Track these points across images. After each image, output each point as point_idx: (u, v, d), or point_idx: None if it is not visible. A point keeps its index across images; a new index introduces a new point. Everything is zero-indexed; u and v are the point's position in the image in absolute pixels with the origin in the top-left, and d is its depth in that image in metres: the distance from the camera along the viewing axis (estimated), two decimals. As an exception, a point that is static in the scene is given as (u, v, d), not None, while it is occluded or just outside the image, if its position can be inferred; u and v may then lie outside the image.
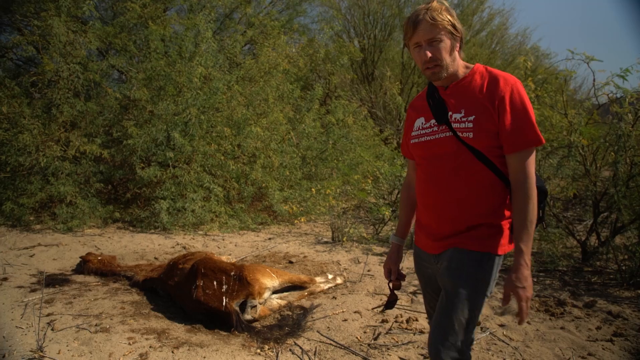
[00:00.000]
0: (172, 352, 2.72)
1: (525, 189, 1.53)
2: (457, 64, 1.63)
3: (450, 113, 1.62)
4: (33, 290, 3.65)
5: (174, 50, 7.10)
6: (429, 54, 1.57)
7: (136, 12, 7.68)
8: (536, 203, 1.54)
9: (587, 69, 4.50)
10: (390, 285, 1.97)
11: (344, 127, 8.58)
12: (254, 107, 7.44)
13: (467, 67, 1.67)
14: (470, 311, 1.58)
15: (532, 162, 1.53)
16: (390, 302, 2.02)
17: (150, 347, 2.77)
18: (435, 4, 1.57)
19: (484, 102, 1.55)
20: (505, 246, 1.62)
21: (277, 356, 2.75)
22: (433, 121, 1.67)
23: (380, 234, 6.01)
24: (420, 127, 1.72)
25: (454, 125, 1.59)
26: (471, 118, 1.56)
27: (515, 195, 1.54)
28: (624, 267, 4.33)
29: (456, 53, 1.62)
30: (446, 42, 1.57)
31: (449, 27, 1.56)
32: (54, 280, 3.90)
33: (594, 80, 4.69)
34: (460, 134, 1.58)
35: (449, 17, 1.56)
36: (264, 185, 6.70)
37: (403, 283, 1.73)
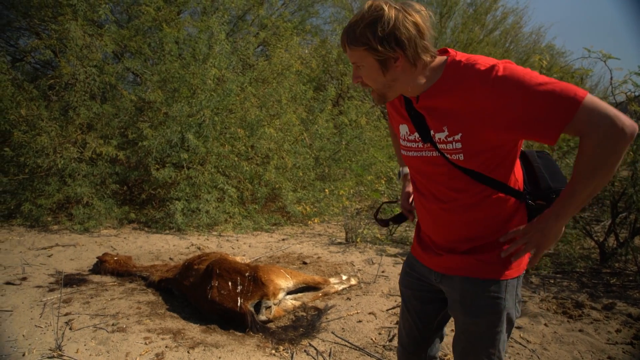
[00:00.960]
0: (188, 352, 2.74)
1: (586, 143, 1.16)
2: (404, 82, 1.31)
3: (432, 132, 1.34)
4: (51, 290, 3.70)
5: (187, 53, 7.16)
6: (357, 79, 1.34)
7: (151, 15, 7.76)
8: (606, 159, 1.15)
9: (604, 67, 4.46)
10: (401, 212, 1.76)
11: (357, 128, 8.57)
12: (267, 109, 7.47)
13: (435, 73, 1.31)
14: (495, 348, 1.41)
15: (586, 117, 1.13)
16: (398, 217, 1.81)
17: (166, 347, 2.80)
18: (364, 11, 1.26)
19: (470, 115, 1.24)
20: (521, 264, 1.42)
21: (291, 357, 2.76)
22: (417, 135, 1.39)
23: (394, 235, 5.98)
24: (406, 138, 1.45)
25: (440, 147, 1.33)
26: (458, 137, 1.28)
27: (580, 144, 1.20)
28: (643, 269, 4.26)
29: (396, 71, 1.28)
30: (370, 66, 1.29)
31: (369, 52, 1.26)
32: (71, 280, 3.95)
33: (611, 78, 4.63)
34: (449, 156, 1.32)
35: (369, 35, 1.23)
36: (277, 186, 6.72)
37: None
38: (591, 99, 1.14)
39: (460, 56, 1.29)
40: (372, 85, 1.34)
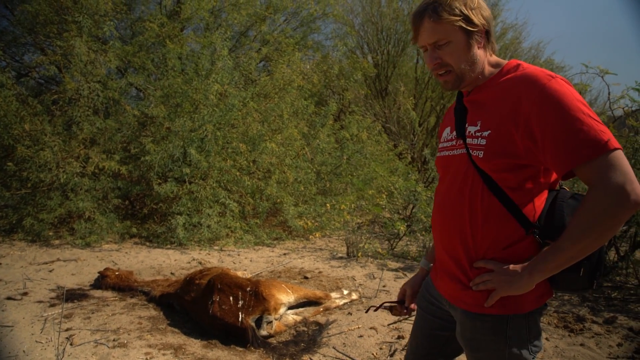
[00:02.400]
0: (189, 367, 2.73)
1: (590, 197, 1.13)
2: (480, 64, 1.30)
3: (466, 125, 1.32)
4: (52, 305, 3.71)
5: (190, 68, 7.24)
6: (436, 61, 1.29)
7: (154, 31, 7.88)
8: (601, 222, 1.11)
9: (602, 82, 4.50)
10: (395, 306, 1.72)
11: (358, 142, 8.61)
12: (269, 123, 7.52)
13: (496, 65, 1.33)
14: None
15: (605, 168, 1.10)
16: (388, 307, 1.76)
17: (167, 362, 2.79)
18: None
19: (504, 115, 1.21)
20: (532, 299, 1.28)
21: (292, 372, 2.75)
22: (454, 133, 1.38)
23: (395, 249, 5.98)
24: (445, 139, 1.45)
25: (468, 141, 1.30)
26: (486, 133, 1.24)
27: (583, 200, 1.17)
28: (645, 283, 4.26)
29: (477, 51, 1.28)
30: (458, 42, 1.26)
31: (460, 23, 1.24)
32: (72, 295, 3.96)
33: (609, 93, 4.69)
34: (471, 151, 1.28)
35: (461, 7, 1.24)
36: (278, 200, 6.74)
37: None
38: (620, 154, 1.11)
39: (522, 62, 1.30)
40: (456, 64, 1.28)
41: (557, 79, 1.17)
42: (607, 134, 1.11)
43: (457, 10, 1.23)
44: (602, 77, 4.47)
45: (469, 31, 1.26)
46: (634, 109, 4.55)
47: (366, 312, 1.71)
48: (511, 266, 1.24)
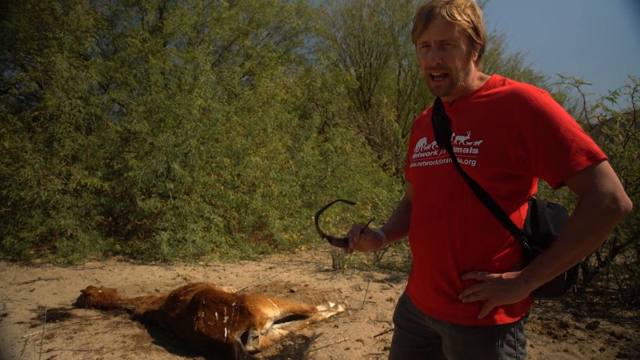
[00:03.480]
0: (174, 385, 2.70)
1: (584, 204, 1.16)
2: (471, 77, 1.34)
3: (453, 135, 1.32)
4: (33, 326, 3.63)
5: (173, 83, 7.25)
6: (437, 60, 1.28)
7: (136, 46, 7.88)
8: (595, 228, 1.15)
9: (578, 92, 4.61)
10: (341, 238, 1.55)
11: (343, 155, 8.67)
12: (253, 137, 7.54)
13: (481, 79, 1.36)
14: None
15: (596, 177, 1.15)
16: (338, 240, 1.56)
17: (151, 380, 2.75)
18: None
19: (497, 126, 1.23)
20: (519, 307, 1.31)
21: (279, 387, 2.73)
22: (434, 143, 1.38)
23: (381, 261, 6.00)
24: (421, 149, 1.44)
25: (455, 150, 1.29)
26: (478, 143, 1.25)
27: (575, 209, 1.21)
28: (625, 287, 4.33)
29: (472, 64, 1.32)
30: (462, 49, 1.27)
31: (470, 31, 1.26)
32: (54, 315, 3.88)
33: (584, 103, 4.80)
34: (460, 160, 1.27)
35: (473, 17, 1.26)
36: (264, 214, 6.73)
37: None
38: (608, 164, 1.16)
39: (507, 78, 1.34)
40: (454, 69, 1.29)
41: (546, 94, 1.22)
42: (595, 145, 1.17)
43: (470, 18, 1.26)
44: (577, 87, 4.58)
45: (473, 41, 1.29)
46: (608, 117, 4.67)
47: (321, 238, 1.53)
48: (504, 275, 1.25)
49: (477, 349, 1.31)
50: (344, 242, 1.54)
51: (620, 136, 4.51)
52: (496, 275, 1.26)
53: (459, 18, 1.24)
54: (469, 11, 1.26)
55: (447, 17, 1.23)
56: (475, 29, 1.27)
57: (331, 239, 1.58)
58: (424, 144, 1.44)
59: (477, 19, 1.27)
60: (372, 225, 6.77)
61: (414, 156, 1.47)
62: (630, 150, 4.41)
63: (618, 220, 1.15)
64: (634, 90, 4.32)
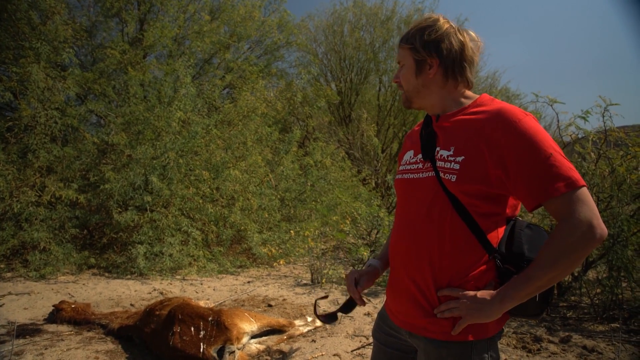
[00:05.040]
0: (148, 402, 2.65)
1: (560, 230, 1.19)
2: (433, 93, 1.41)
3: (437, 149, 1.36)
4: (2, 342, 3.52)
5: (153, 95, 7.20)
6: (397, 79, 1.47)
7: (116, 58, 7.84)
8: (570, 253, 1.17)
9: (552, 110, 4.76)
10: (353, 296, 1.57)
11: (322, 169, 8.71)
12: (233, 151, 7.53)
13: (469, 97, 1.41)
14: None
15: (574, 203, 1.17)
16: (346, 306, 1.64)
17: (124, 398, 2.70)
18: (422, 19, 1.42)
19: (480, 144, 1.26)
20: (493, 324, 1.32)
21: (255, 403, 2.70)
22: (420, 156, 1.42)
23: (359, 275, 6.01)
24: (407, 162, 1.48)
25: (438, 164, 1.33)
26: (459, 159, 1.28)
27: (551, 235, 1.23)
28: (597, 301, 4.43)
29: (429, 79, 1.39)
30: (408, 67, 1.42)
31: (409, 51, 1.40)
32: (24, 331, 3.78)
33: (558, 121, 4.94)
34: (442, 174, 1.31)
35: (415, 37, 1.39)
36: (242, 228, 6.69)
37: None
38: (587, 191, 1.19)
39: (495, 98, 1.38)
40: (405, 85, 1.44)
41: (531, 116, 1.25)
42: (576, 172, 1.19)
43: (411, 39, 1.39)
44: (551, 105, 4.72)
45: (417, 59, 1.39)
46: (580, 136, 4.82)
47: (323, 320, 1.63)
48: (479, 294, 1.26)
49: None
50: (350, 305, 1.62)
51: (592, 154, 4.66)
52: (472, 293, 1.28)
53: (402, 43, 1.42)
54: (416, 33, 1.39)
55: (399, 44, 1.44)
56: (415, 48, 1.38)
57: (343, 309, 1.63)
58: (410, 156, 1.49)
59: (421, 38, 1.38)
60: (349, 239, 6.76)
61: (400, 168, 1.51)
62: (602, 168, 4.55)
63: (593, 247, 1.18)
64: (605, 110, 4.47)
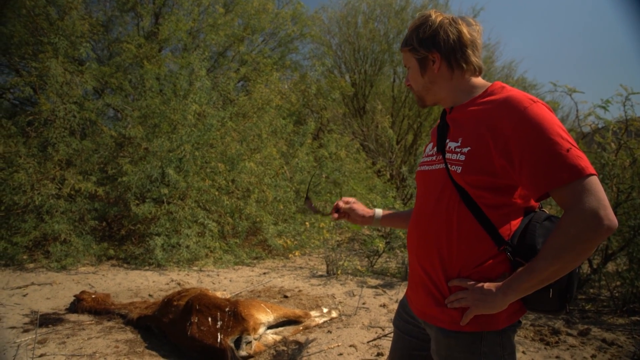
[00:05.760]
0: (167, 390, 2.70)
1: (564, 221, 1.15)
2: (442, 86, 1.41)
3: (447, 141, 1.36)
4: (26, 331, 3.62)
5: (168, 89, 7.26)
6: (407, 82, 1.49)
7: (132, 52, 7.90)
8: (574, 245, 1.13)
9: (572, 100, 4.68)
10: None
11: (337, 161, 8.69)
12: (248, 143, 7.56)
13: (480, 87, 1.38)
14: None
15: (579, 193, 1.13)
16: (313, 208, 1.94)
17: (144, 386, 2.75)
18: (415, 18, 1.43)
19: (485, 135, 1.24)
20: (505, 315, 1.30)
21: (272, 392, 2.74)
22: (435, 149, 1.43)
23: (374, 267, 6.01)
24: (427, 154, 1.50)
25: (447, 156, 1.33)
26: (465, 150, 1.27)
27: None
28: (616, 294, 4.37)
29: (436, 74, 1.39)
30: (414, 68, 1.43)
31: (409, 52, 1.42)
32: (47, 320, 3.87)
33: (577, 111, 4.86)
34: (450, 166, 1.31)
35: (412, 38, 1.40)
36: (258, 219, 6.73)
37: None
38: (595, 180, 1.14)
39: (507, 85, 1.34)
40: (415, 86, 1.46)
41: (539, 104, 1.21)
42: (584, 160, 1.14)
43: (409, 41, 1.41)
44: (570, 95, 4.65)
45: (419, 58, 1.41)
46: (600, 126, 4.73)
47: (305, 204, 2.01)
48: (485, 285, 1.25)
49: (460, 355, 1.32)
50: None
51: (613, 144, 4.57)
52: (480, 284, 1.27)
53: (402, 47, 1.44)
54: (412, 33, 1.41)
55: (401, 46, 1.45)
56: (414, 48, 1.40)
57: (316, 209, 1.89)
58: (430, 148, 1.50)
59: (417, 36, 1.39)
60: (364, 231, 6.75)
61: (421, 160, 1.53)
62: (622, 159, 4.46)
63: (600, 239, 1.13)
64: (626, 99, 4.38)
